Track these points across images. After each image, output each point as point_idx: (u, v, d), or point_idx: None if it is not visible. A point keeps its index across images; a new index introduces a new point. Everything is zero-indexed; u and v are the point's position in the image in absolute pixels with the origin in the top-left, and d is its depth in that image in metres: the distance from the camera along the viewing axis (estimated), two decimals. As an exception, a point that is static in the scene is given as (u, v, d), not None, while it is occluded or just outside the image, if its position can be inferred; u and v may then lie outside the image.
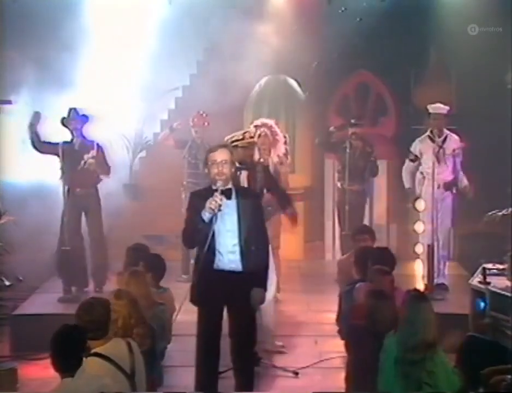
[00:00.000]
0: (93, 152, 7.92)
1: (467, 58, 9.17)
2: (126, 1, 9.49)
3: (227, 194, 5.46)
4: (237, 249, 5.49)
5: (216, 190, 5.40)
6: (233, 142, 6.80)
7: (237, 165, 6.83)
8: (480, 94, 9.23)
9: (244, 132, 6.98)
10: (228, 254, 5.48)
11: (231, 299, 5.55)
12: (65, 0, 9.16)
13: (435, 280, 8.15)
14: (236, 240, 5.49)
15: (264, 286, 5.65)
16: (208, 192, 5.50)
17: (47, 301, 8.07)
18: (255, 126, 7.82)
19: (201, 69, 9.42)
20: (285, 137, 8.16)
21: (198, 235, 5.44)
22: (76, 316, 4.84)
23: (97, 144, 8.05)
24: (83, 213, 8.14)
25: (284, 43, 9.54)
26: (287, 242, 8.43)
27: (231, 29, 9.31)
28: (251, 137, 6.95)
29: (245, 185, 6.78)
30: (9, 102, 8.59)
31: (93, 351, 4.56)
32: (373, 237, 7.30)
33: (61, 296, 8.06)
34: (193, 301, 5.68)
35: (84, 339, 4.42)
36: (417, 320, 4.91)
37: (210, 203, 5.33)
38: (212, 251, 5.44)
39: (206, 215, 5.37)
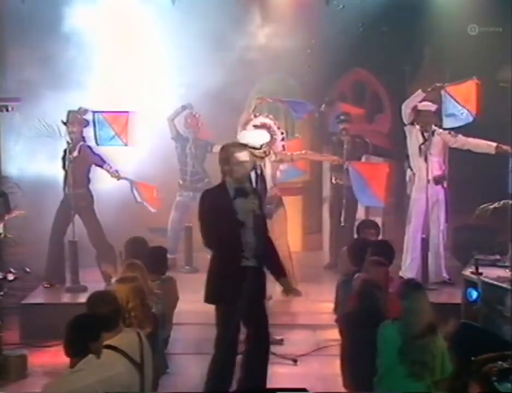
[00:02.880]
0: (75, 153, 8.05)
1: (461, 57, 9.13)
2: (130, 2, 9.45)
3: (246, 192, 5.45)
4: (258, 245, 5.45)
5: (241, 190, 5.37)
6: (250, 147, 6.93)
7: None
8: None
9: (262, 144, 7.28)
10: (252, 250, 5.41)
11: (252, 296, 5.42)
12: (73, 0, 9.12)
13: (443, 275, 8.16)
14: (256, 237, 5.44)
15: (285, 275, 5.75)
16: (224, 191, 5.40)
17: (55, 290, 8.08)
18: (254, 126, 7.83)
19: (203, 68, 9.40)
20: (282, 133, 8.17)
21: (232, 236, 5.31)
22: (89, 309, 4.81)
23: (81, 146, 8.10)
24: (76, 215, 8.11)
25: (283, 43, 9.51)
26: (288, 235, 8.39)
27: (232, 28, 9.29)
28: (265, 153, 7.27)
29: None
30: (18, 100, 8.57)
31: (104, 343, 4.55)
32: (378, 232, 7.31)
33: (68, 286, 8.07)
34: (218, 299, 5.49)
35: (100, 329, 4.41)
36: (419, 308, 4.96)
37: (248, 205, 5.31)
38: (240, 249, 5.36)
39: (242, 217, 5.31)
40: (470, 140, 8.07)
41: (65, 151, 8.13)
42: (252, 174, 6.95)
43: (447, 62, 9.63)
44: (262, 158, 7.26)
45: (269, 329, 5.64)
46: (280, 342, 7.01)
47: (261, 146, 7.15)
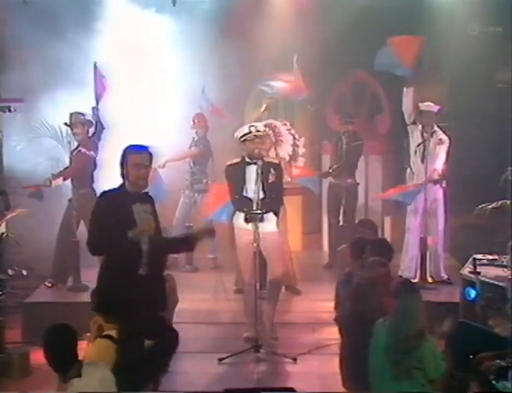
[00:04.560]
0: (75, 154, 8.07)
1: (460, 57, 9.13)
2: (133, 4, 9.46)
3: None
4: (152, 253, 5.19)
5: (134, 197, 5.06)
6: (242, 137, 6.82)
7: (247, 159, 6.87)
8: (470, 92, 9.21)
9: (250, 126, 6.92)
10: (146, 258, 5.15)
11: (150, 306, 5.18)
12: (75, 2, 9.12)
13: (441, 275, 8.17)
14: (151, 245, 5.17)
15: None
16: (125, 194, 5.07)
17: (58, 289, 8.08)
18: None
19: (203, 68, 9.43)
20: (295, 138, 8.04)
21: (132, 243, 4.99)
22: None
23: (80, 150, 8.10)
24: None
25: (283, 43, 9.51)
26: (288, 234, 8.40)
27: (232, 29, 9.30)
28: (258, 131, 6.86)
29: (254, 178, 6.75)
30: (21, 100, 8.59)
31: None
32: (375, 231, 7.26)
33: (70, 285, 8.08)
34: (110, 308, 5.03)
35: (75, 338, 4.43)
36: (409, 311, 4.90)
37: (145, 215, 5.07)
38: (138, 257, 5.08)
39: (139, 224, 5.03)
40: (439, 157, 8.04)
41: (71, 152, 8.14)
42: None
43: (446, 63, 9.62)
44: (261, 137, 6.82)
45: (176, 342, 5.29)
46: (275, 339, 7.01)
47: (250, 128, 6.81)
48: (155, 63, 9.32)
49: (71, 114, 8.12)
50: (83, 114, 8.15)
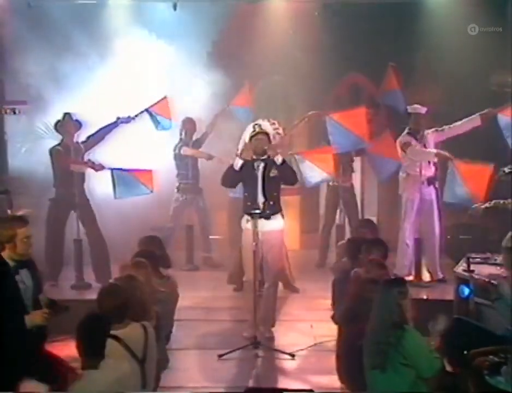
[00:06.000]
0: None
1: (456, 59, 9.14)
2: (134, 9, 9.48)
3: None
4: None
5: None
6: (250, 136, 6.92)
7: (254, 157, 6.94)
8: (465, 94, 9.22)
9: (255, 125, 7.02)
10: None
11: None
12: (78, 7, 9.16)
13: (438, 274, 8.22)
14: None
15: None
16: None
17: (60, 287, 8.11)
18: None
19: (204, 70, 9.45)
20: (274, 124, 8.06)
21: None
22: (100, 301, 4.83)
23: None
24: (72, 212, 8.19)
25: (282, 46, 9.55)
26: (286, 233, 8.44)
27: (231, 32, 9.32)
28: (262, 129, 6.96)
29: (261, 177, 6.83)
30: (24, 102, 8.63)
31: (112, 332, 4.58)
32: (375, 231, 7.26)
33: (73, 283, 8.12)
34: None
35: (108, 328, 4.45)
36: (384, 303, 4.90)
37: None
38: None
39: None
40: (455, 124, 8.15)
41: (58, 150, 8.13)
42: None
43: (446, 63, 9.62)
44: (265, 134, 6.96)
45: None
46: (272, 338, 7.04)
47: (254, 126, 6.94)
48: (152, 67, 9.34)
49: (65, 114, 8.15)
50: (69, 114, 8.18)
